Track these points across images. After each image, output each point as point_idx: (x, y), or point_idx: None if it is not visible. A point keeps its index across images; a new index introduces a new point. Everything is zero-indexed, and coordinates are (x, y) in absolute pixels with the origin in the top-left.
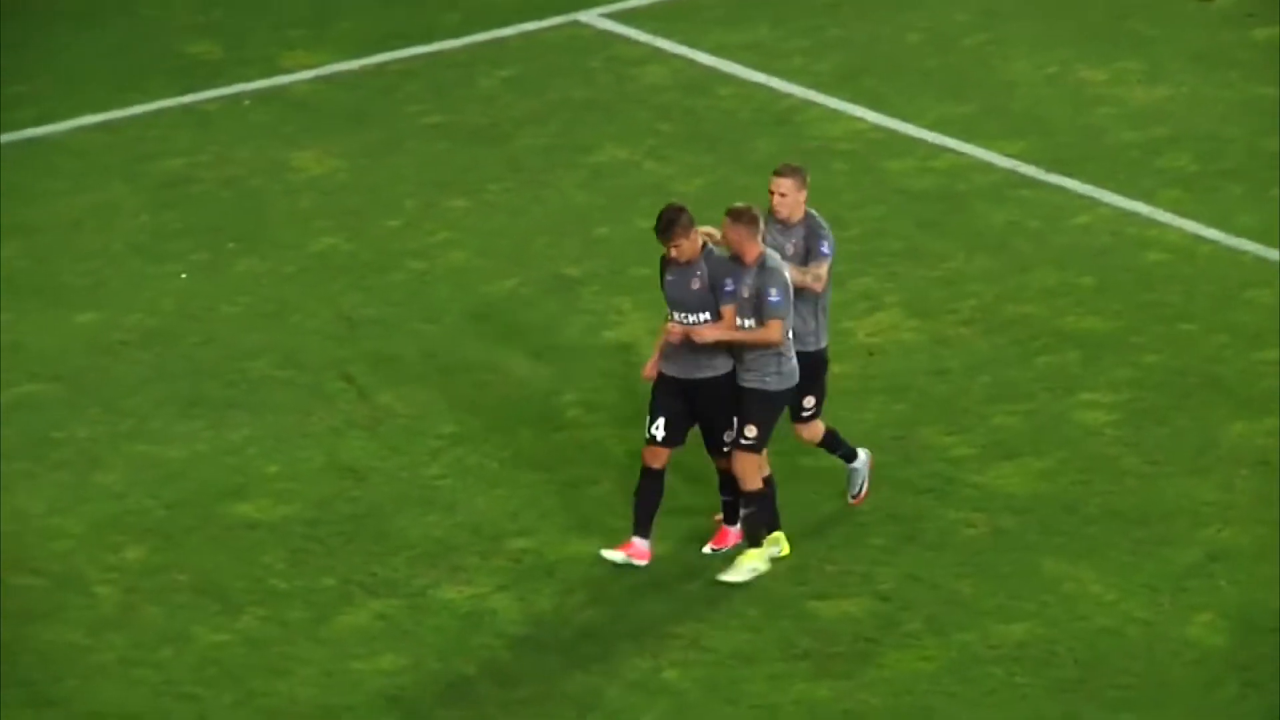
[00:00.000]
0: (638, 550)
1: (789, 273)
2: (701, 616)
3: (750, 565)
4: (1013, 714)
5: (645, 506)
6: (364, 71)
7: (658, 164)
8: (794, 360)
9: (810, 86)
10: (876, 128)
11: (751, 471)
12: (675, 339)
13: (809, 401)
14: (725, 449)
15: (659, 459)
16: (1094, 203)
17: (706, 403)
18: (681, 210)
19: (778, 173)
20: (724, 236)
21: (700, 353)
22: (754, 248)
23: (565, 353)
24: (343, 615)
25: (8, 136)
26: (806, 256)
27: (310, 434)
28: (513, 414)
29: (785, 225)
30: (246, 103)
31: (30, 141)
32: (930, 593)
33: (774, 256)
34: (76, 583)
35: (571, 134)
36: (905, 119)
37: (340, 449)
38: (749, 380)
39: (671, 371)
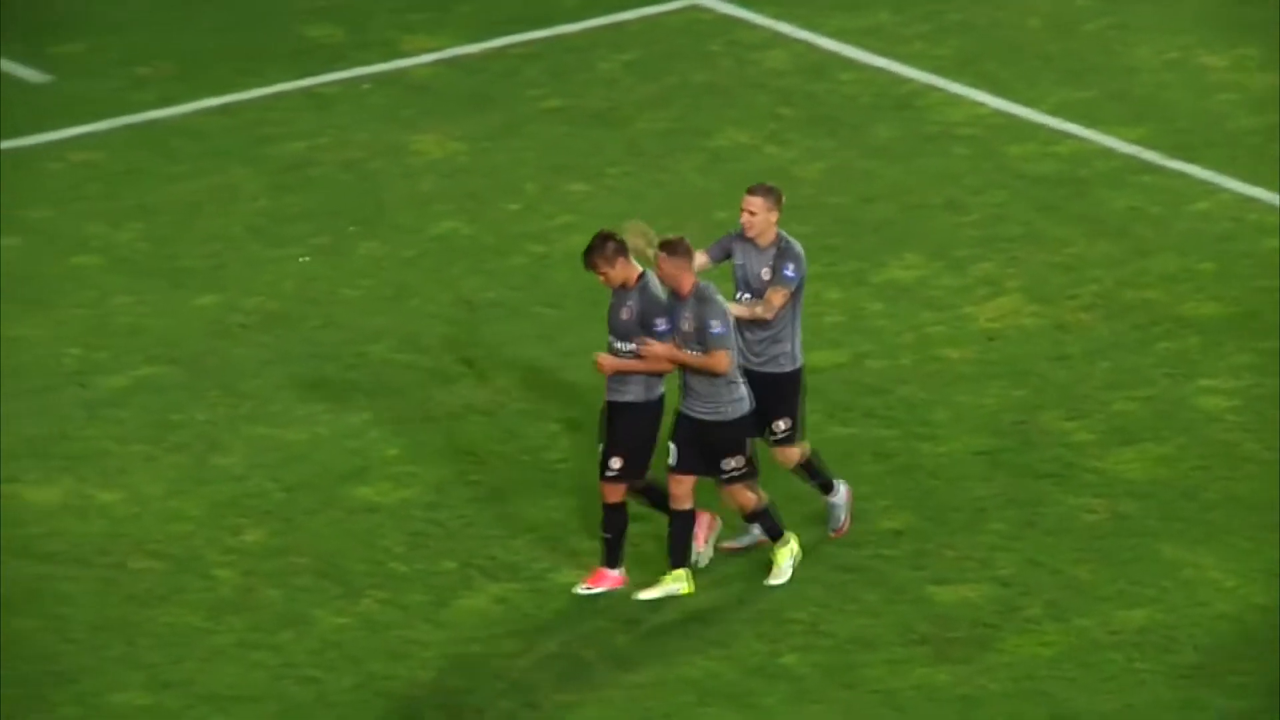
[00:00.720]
0: (613, 578)
1: (727, 303)
2: (820, 601)
3: (785, 564)
4: (1132, 700)
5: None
6: (484, 55)
7: (778, 148)
8: (743, 384)
9: (931, 71)
10: (997, 112)
11: (746, 498)
12: (604, 370)
13: (782, 424)
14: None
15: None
16: (1215, 188)
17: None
18: (607, 239)
19: (750, 191)
20: (658, 270)
21: (613, 378)
22: (688, 279)
23: None
24: (462, 599)
25: (129, 119)
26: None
27: (430, 417)
28: None
29: (757, 247)
30: (366, 86)
31: (151, 124)
32: (1050, 578)
33: (709, 287)
34: (196, 565)
35: (691, 118)
36: (1026, 104)
37: (460, 433)
38: (707, 414)
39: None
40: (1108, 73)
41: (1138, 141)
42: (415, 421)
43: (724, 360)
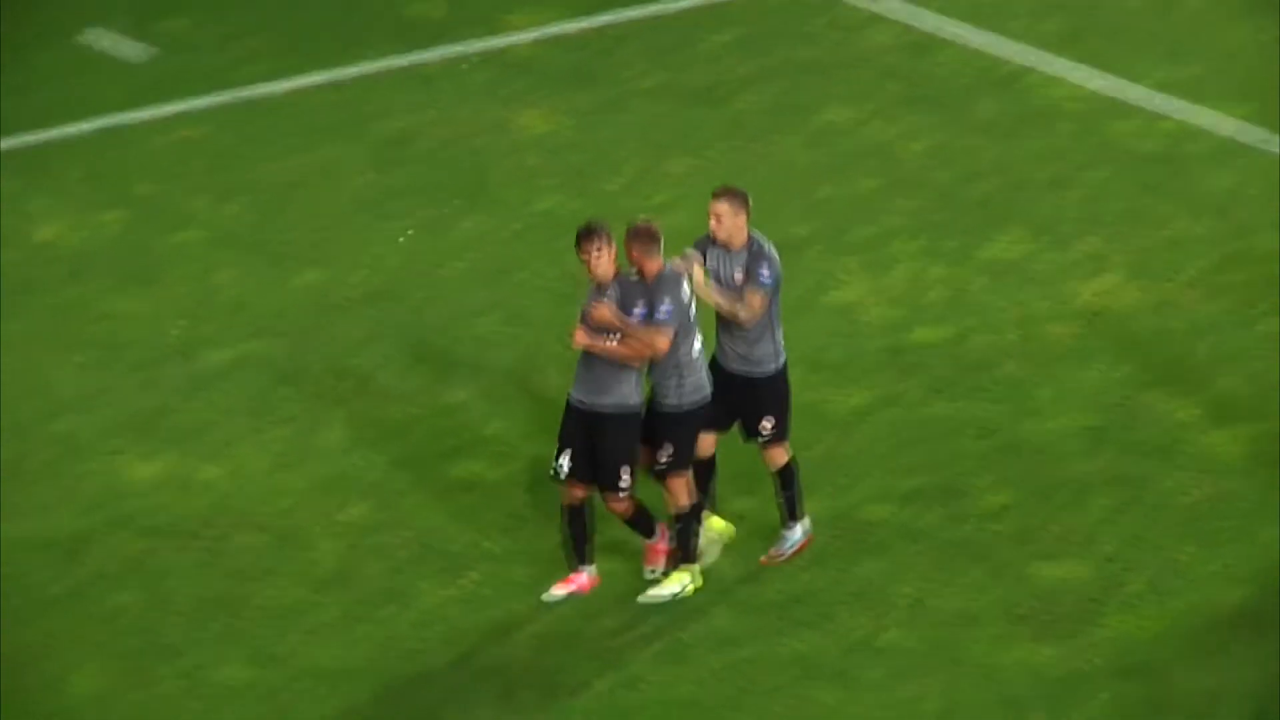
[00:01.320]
0: (584, 580)
1: (694, 290)
2: (923, 578)
3: (679, 583)
4: (1231, 678)
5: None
6: (584, 33)
7: (881, 125)
8: (699, 376)
9: (1035, 47)
10: (1100, 90)
11: (681, 492)
12: (577, 345)
13: (767, 424)
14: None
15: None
16: None
17: (603, 436)
18: (597, 227)
19: (714, 195)
20: (627, 256)
21: (604, 378)
22: (654, 263)
23: (788, 313)
24: (563, 576)
25: (233, 94)
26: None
27: (533, 394)
28: None
29: (728, 250)
30: (466, 66)
31: (256, 100)
32: (1152, 556)
33: (673, 266)
34: (299, 540)
35: (794, 95)
36: (1129, 81)
37: (560, 410)
38: (656, 403)
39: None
40: (1209, 51)
41: (1240, 119)
42: (516, 398)
43: (658, 338)
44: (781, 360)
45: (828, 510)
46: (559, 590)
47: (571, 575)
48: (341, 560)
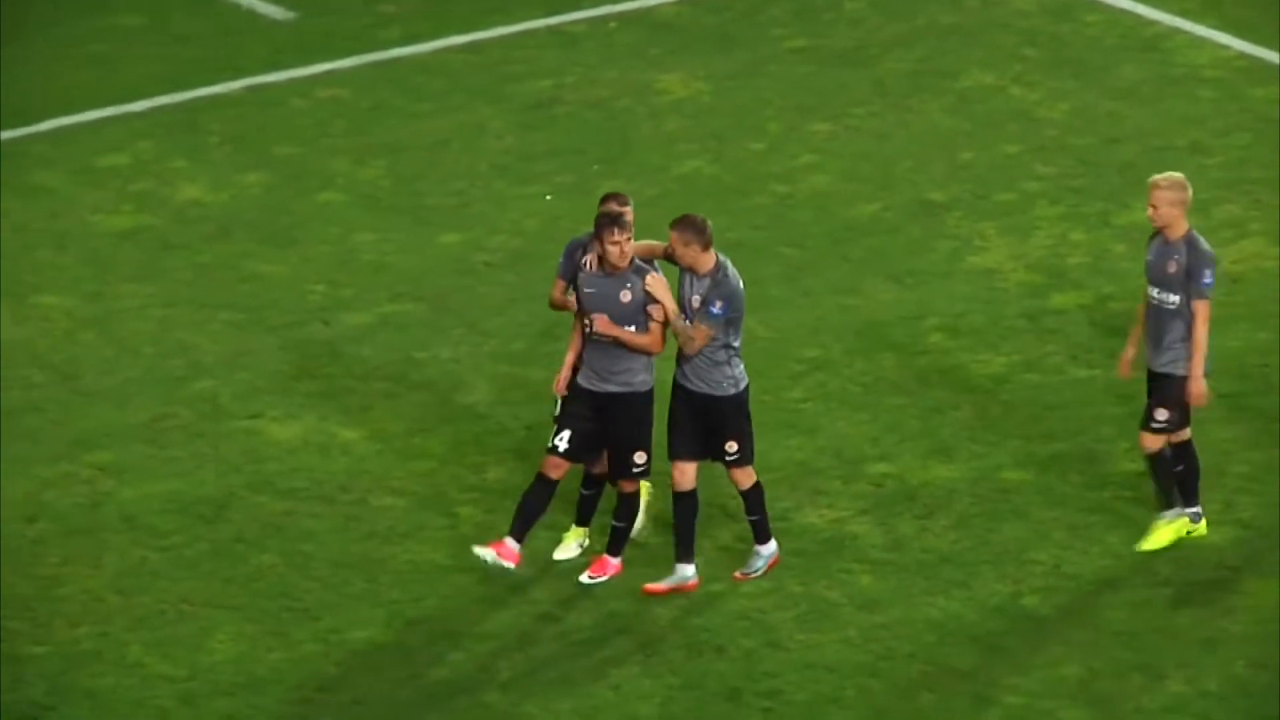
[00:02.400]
0: (508, 551)
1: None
2: (1063, 544)
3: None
4: None
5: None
6: None
7: (1023, 89)
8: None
9: (1176, 14)
10: (1241, 55)
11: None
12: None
13: (731, 446)
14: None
15: (558, 469)
16: None
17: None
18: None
19: (670, 227)
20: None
21: (618, 361)
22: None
23: (928, 277)
24: (703, 538)
25: (374, 56)
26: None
27: (673, 356)
28: (875, 338)
29: (696, 274)
30: (612, 25)
31: (396, 61)
32: None
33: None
34: (438, 503)
35: (937, 59)
36: (1271, 47)
37: None
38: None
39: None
40: None
41: None
42: (657, 360)
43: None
44: (742, 385)
45: (968, 474)
46: (496, 560)
47: (495, 543)
48: (481, 523)
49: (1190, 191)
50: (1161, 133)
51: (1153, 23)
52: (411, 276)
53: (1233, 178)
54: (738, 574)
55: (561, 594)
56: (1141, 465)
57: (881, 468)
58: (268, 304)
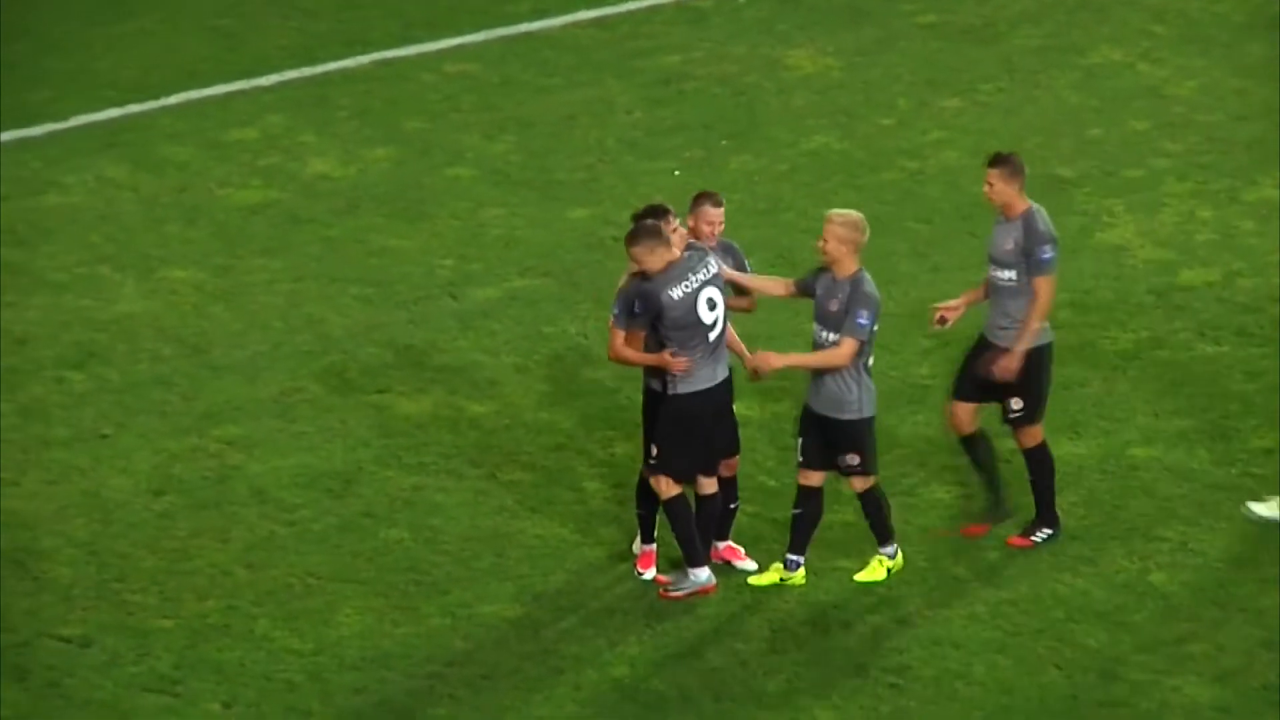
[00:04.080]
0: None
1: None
2: (1190, 520)
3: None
4: None
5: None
6: None
7: (1151, 66)
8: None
9: None
10: None
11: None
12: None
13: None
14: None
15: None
16: None
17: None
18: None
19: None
20: (832, 243)
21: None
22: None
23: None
24: (829, 514)
25: (504, 30)
26: None
27: (802, 332)
28: None
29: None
30: (740, 0)
31: (525, 36)
32: None
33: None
34: (567, 478)
35: (1065, 35)
36: None
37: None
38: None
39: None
40: None
41: None
42: (787, 336)
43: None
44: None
45: (1096, 451)
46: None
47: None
48: (609, 498)
49: (863, 234)
50: None
51: None
52: (540, 251)
53: None
54: (661, 589)
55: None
56: (1271, 441)
57: (1009, 444)
58: (396, 278)
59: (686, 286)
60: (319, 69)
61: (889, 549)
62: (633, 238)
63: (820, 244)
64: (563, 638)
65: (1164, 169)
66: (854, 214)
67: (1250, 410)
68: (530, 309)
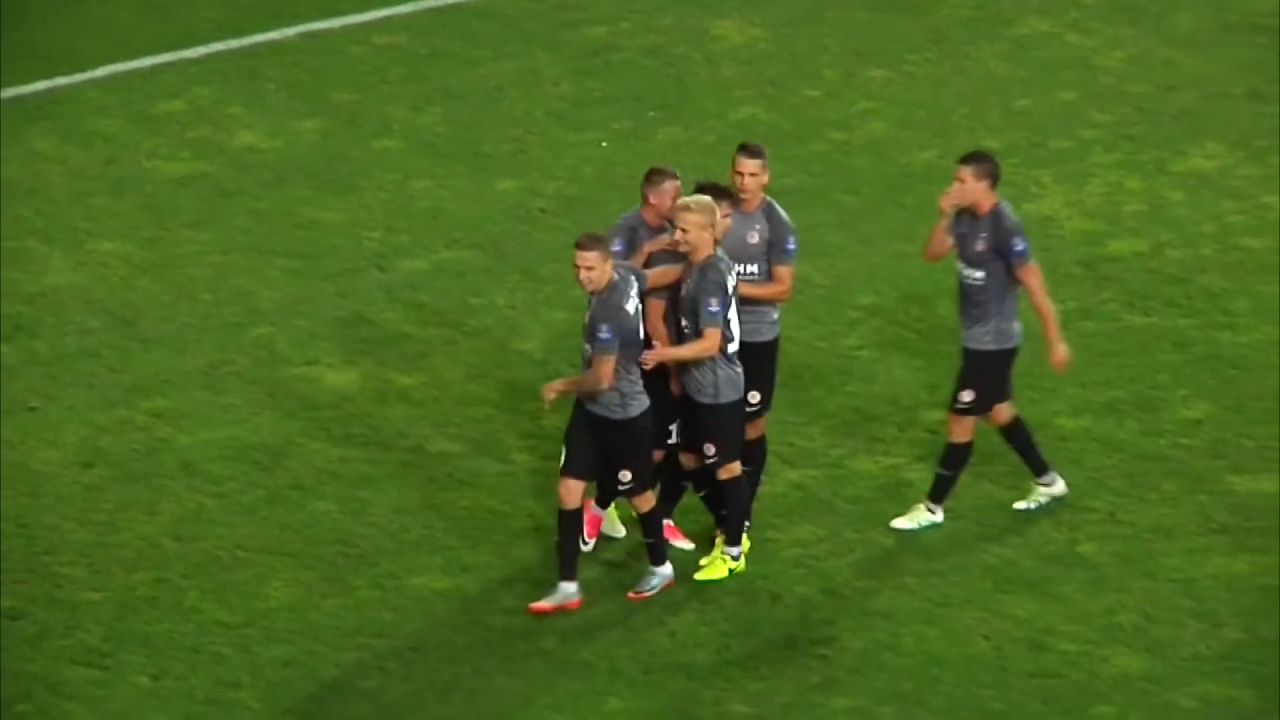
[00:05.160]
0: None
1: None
2: (1119, 491)
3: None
4: None
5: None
6: None
7: (1080, 36)
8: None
9: None
10: None
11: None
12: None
13: (625, 475)
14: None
15: None
16: None
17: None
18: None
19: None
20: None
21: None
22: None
23: None
24: (760, 486)
25: (432, 2)
26: None
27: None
28: (931, 285)
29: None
30: None
31: (454, 7)
32: None
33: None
34: (495, 449)
35: (994, 5)
36: None
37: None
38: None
39: None
40: None
41: None
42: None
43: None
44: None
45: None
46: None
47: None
48: (537, 469)
49: (719, 215)
50: (1218, 80)
51: None
52: (468, 223)
53: None
54: (630, 593)
55: (623, 544)
56: (1200, 412)
57: (937, 414)
58: (325, 250)
59: (636, 301)
60: (247, 41)
61: (735, 550)
62: (692, 208)
63: (680, 235)
64: (492, 609)
65: (1092, 139)
66: (706, 198)
67: (1179, 381)
68: (458, 280)
